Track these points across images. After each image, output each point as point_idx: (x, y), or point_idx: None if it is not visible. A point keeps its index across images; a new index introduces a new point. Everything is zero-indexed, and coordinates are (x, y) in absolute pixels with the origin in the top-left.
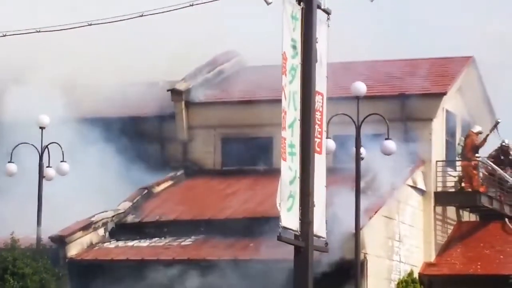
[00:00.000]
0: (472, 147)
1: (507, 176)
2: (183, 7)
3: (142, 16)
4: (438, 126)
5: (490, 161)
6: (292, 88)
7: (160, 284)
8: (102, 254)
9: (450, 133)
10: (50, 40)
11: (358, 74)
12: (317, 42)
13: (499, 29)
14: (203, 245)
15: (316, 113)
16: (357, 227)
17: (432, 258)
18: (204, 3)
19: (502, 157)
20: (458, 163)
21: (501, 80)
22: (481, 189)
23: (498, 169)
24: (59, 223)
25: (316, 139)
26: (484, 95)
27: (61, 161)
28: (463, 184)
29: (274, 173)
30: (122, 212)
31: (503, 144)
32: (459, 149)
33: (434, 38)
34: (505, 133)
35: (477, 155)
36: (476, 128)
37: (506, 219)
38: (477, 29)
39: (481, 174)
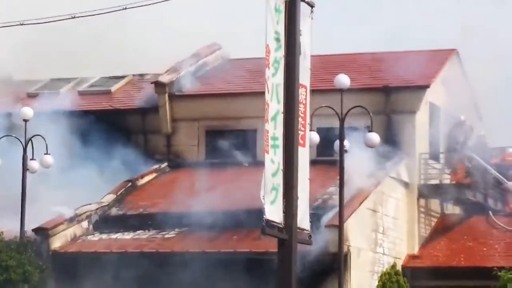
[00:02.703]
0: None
1: (492, 170)
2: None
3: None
4: (421, 118)
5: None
6: (275, 81)
7: (144, 277)
8: (86, 246)
9: (434, 126)
10: (34, 32)
11: (341, 66)
12: (300, 35)
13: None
14: (186, 237)
15: (300, 105)
16: (341, 220)
17: (416, 251)
18: None
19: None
20: (441, 156)
21: (484, 73)
22: (466, 182)
23: (483, 162)
24: (43, 216)
25: (299, 132)
26: (467, 87)
27: (45, 154)
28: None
29: (258, 165)
30: (106, 205)
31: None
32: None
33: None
34: (489, 126)
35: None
36: (460, 119)
37: (490, 212)
38: (460, 22)
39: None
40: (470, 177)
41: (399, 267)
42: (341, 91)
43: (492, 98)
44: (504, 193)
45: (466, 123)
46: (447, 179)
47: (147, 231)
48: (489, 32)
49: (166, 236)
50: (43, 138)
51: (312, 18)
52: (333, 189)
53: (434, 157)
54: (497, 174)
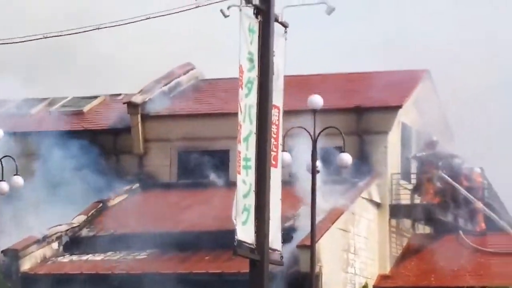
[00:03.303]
0: (427, 159)
1: (462, 189)
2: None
3: (98, 29)
4: (393, 139)
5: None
6: (248, 101)
7: None
8: (56, 268)
9: (406, 146)
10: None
11: (314, 87)
12: (274, 55)
13: (454, 42)
14: (158, 258)
15: (272, 126)
16: (313, 240)
17: (387, 271)
18: (162, 16)
19: (444, 171)
20: (413, 176)
21: (456, 93)
22: (435, 202)
23: (453, 182)
24: (13, 237)
25: (272, 153)
26: (439, 108)
27: (15, 175)
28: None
29: (230, 186)
30: (76, 226)
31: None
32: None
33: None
34: (460, 145)
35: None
36: (433, 139)
37: (460, 232)
38: (432, 42)
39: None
40: (439, 197)
41: (370, 287)
42: (313, 111)
43: (464, 118)
44: (475, 213)
45: (438, 143)
46: (418, 199)
47: (117, 252)
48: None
49: (137, 257)
50: (13, 159)
51: (286, 39)
52: (305, 209)
53: (406, 177)
54: (467, 194)
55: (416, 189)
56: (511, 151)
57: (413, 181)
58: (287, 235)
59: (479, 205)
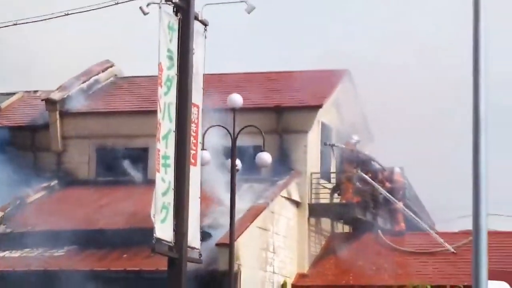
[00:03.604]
0: (346, 159)
1: (381, 189)
2: (58, 17)
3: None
4: (313, 138)
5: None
6: (167, 100)
7: None
8: None
9: (325, 146)
10: None
11: (235, 85)
12: (193, 54)
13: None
14: (75, 255)
15: (192, 124)
16: (231, 238)
17: (306, 269)
18: (81, 12)
19: (360, 170)
20: (332, 175)
21: (375, 93)
22: (355, 201)
23: (372, 181)
24: None
25: (191, 151)
26: (359, 108)
27: None
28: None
29: (149, 184)
30: None
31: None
32: (337, 163)
33: (311, 50)
34: (378, 147)
35: (356, 166)
36: (354, 139)
37: (379, 231)
38: (353, 43)
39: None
40: (359, 196)
41: (289, 286)
42: (233, 110)
43: (383, 118)
44: (394, 213)
45: (358, 143)
46: (337, 198)
47: (35, 249)
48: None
49: (55, 254)
50: None
51: (205, 37)
52: (224, 207)
53: (325, 176)
54: (387, 193)
55: (336, 188)
56: (430, 151)
57: (333, 180)
58: (206, 233)
59: (399, 205)
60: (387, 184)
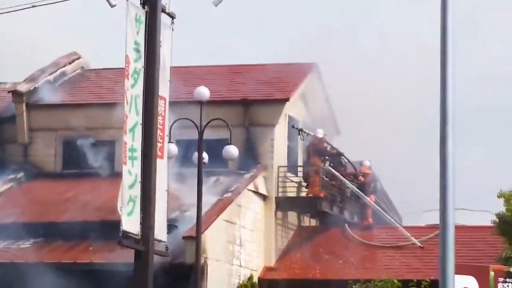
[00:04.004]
0: (314, 152)
1: (348, 183)
2: (23, 9)
3: None
4: (280, 131)
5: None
6: (134, 92)
7: None
8: None
9: (292, 139)
10: None
11: (201, 78)
12: (160, 46)
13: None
14: (42, 248)
15: (159, 117)
16: (198, 231)
17: (272, 263)
18: (48, 4)
19: (331, 164)
20: (299, 169)
21: (343, 86)
22: (321, 195)
23: (340, 175)
24: None
25: (158, 144)
26: (326, 102)
27: None
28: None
29: (116, 177)
30: None
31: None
32: (304, 157)
33: (278, 44)
34: (344, 140)
35: (323, 159)
36: (319, 133)
37: (346, 225)
38: (321, 35)
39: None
40: (325, 190)
41: (255, 279)
42: (200, 103)
43: (350, 112)
44: (362, 207)
45: (324, 137)
46: (304, 192)
47: (1, 241)
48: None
49: (21, 246)
50: None
51: (172, 29)
52: (191, 200)
53: (292, 170)
54: (354, 187)
55: (305, 181)
56: (397, 146)
57: (300, 174)
58: (172, 226)
59: (366, 199)
60: (361, 178)
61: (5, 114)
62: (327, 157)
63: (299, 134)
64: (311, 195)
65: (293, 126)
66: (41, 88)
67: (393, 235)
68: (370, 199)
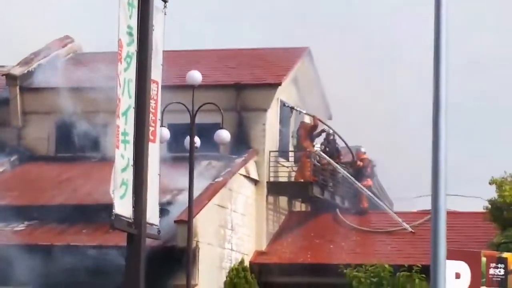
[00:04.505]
0: (306, 137)
1: (339, 168)
2: None
3: None
4: (272, 116)
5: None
6: (127, 76)
7: None
8: None
9: (284, 124)
10: None
11: (194, 62)
12: (153, 30)
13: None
14: (36, 230)
15: (151, 101)
16: (190, 215)
17: (263, 247)
18: None
19: (327, 148)
20: (291, 154)
21: (335, 71)
22: (313, 180)
23: (331, 160)
24: None
25: (150, 127)
26: (318, 86)
27: None
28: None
29: (108, 160)
30: None
31: (328, 134)
32: (294, 141)
33: (271, 28)
34: (336, 125)
35: (314, 144)
36: (307, 119)
37: (337, 210)
38: (314, 20)
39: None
40: (316, 175)
41: (247, 263)
42: (192, 87)
43: (343, 97)
44: (358, 192)
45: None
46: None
47: None
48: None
49: (15, 229)
50: None
51: (165, 13)
52: (183, 184)
53: (284, 155)
54: (345, 172)
55: (296, 166)
56: (389, 130)
57: (291, 159)
58: (164, 210)
59: (357, 184)
60: (359, 163)
61: None
62: (321, 142)
63: (291, 112)
64: (302, 180)
65: (284, 105)
66: (35, 71)
67: (385, 220)
68: (367, 184)
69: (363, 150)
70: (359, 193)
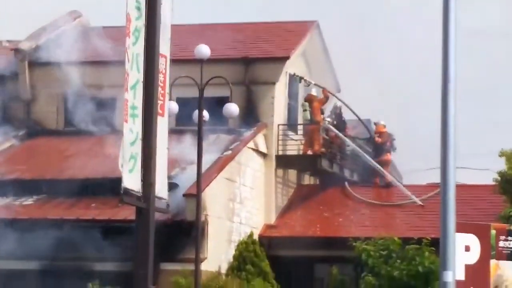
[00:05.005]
0: (319, 110)
1: (348, 141)
2: None
3: None
4: (280, 90)
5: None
6: (135, 50)
7: (1, 243)
8: None
9: (293, 97)
10: None
11: (202, 36)
12: (161, 4)
13: None
14: (45, 204)
15: (160, 75)
16: (199, 189)
17: (272, 220)
18: None
19: (335, 122)
20: (299, 127)
21: (344, 45)
22: (322, 153)
23: (340, 133)
24: None
25: (158, 101)
26: (327, 60)
27: None
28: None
29: (117, 134)
30: None
31: (336, 107)
32: (306, 114)
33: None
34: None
35: (324, 117)
36: (314, 91)
37: (346, 183)
38: None
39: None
40: (326, 148)
41: (256, 237)
42: (201, 61)
43: (351, 69)
44: (381, 165)
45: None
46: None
47: (4, 197)
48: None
49: (24, 203)
50: None
51: None
52: (192, 158)
53: (292, 128)
54: (355, 146)
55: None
56: (397, 103)
57: (300, 132)
58: (173, 184)
59: (366, 157)
60: (377, 139)
61: (7, 72)
62: (328, 115)
63: (300, 81)
64: (310, 153)
65: (294, 74)
66: (43, 46)
67: (394, 194)
68: (387, 158)
69: (382, 123)
70: (383, 166)
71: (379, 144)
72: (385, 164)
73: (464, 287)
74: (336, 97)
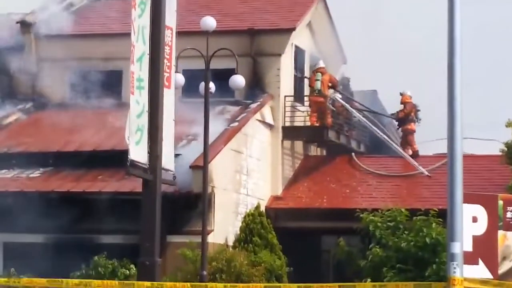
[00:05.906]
0: (328, 84)
1: (355, 112)
2: None
3: None
4: (286, 61)
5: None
6: (141, 22)
7: (8, 216)
8: None
9: (299, 69)
10: None
11: (208, 8)
12: None
13: None
14: (51, 177)
15: (165, 47)
16: (205, 161)
17: (279, 192)
18: None
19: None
20: (306, 98)
21: (350, 18)
22: (328, 124)
23: (347, 105)
24: None
25: (165, 73)
26: (333, 31)
27: None
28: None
29: (123, 106)
30: None
31: (344, 78)
32: (318, 84)
33: None
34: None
35: (331, 91)
36: (320, 64)
37: (353, 154)
38: None
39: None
40: (333, 119)
41: (262, 208)
42: (207, 33)
43: (357, 41)
44: (406, 135)
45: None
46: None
47: (11, 170)
48: None
49: (31, 175)
50: None
51: None
52: (198, 130)
53: (299, 99)
54: (361, 117)
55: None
56: (404, 74)
57: (306, 103)
58: (180, 155)
59: (373, 129)
60: (400, 114)
61: (13, 44)
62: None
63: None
64: (317, 124)
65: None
66: (49, 18)
67: (401, 164)
68: (411, 128)
69: (409, 93)
70: (407, 136)
71: (403, 116)
72: (409, 133)
73: (471, 258)
74: (338, 94)
